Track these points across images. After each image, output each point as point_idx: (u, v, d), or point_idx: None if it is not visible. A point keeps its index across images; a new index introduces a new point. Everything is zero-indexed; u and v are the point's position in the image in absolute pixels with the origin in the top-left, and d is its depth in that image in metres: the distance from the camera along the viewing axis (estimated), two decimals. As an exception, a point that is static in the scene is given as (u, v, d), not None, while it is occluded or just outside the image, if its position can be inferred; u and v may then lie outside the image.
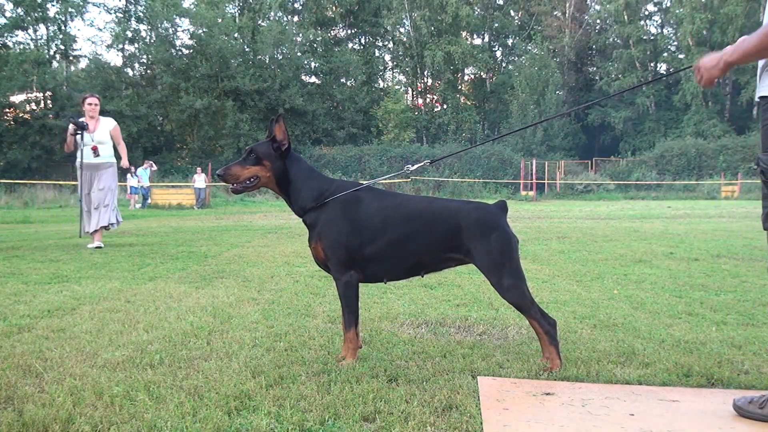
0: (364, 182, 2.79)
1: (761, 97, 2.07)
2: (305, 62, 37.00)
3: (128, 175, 22.67)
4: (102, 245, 7.38)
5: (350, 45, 40.76)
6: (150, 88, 33.72)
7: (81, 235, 7.90)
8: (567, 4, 39.55)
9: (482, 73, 40.24)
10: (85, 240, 8.21)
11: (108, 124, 7.63)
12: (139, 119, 31.21)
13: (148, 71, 34.72)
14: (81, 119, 7.50)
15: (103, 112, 7.92)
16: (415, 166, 2.96)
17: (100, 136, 7.51)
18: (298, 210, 2.70)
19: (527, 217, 14.71)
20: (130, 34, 34.47)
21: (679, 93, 35.91)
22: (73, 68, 35.65)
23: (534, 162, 29.62)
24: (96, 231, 7.45)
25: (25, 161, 30.02)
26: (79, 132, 7.34)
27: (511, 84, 36.89)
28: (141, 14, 34.92)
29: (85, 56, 35.82)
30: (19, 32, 33.14)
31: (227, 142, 32.17)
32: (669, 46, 39.51)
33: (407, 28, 37.57)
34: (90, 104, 7.57)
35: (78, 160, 7.50)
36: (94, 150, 7.40)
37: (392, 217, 2.62)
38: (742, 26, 31.10)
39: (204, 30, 32.47)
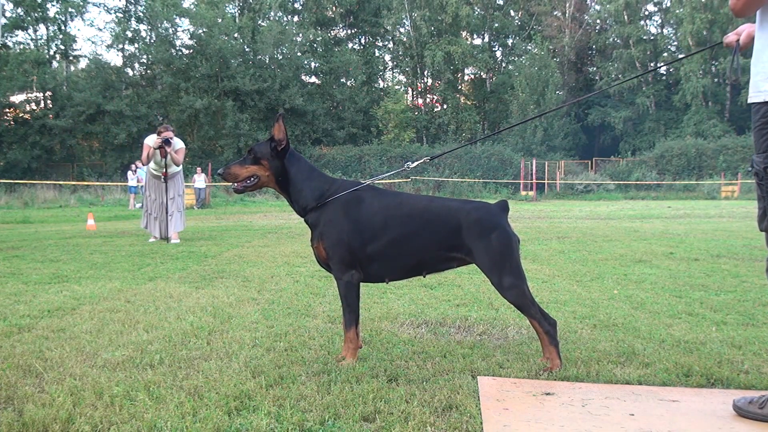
0: (365, 181, 2.80)
1: (750, 104, 2.11)
2: (305, 62, 36.96)
3: (128, 174, 22.68)
4: (179, 241, 8.26)
5: (350, 45, 40.71)
6: (150, 88, 33.69)
7: (158, 238, 8.47)
8: (567, 4, 39.50)
9: (482, 73, 40.18)
10: (86, 240, 8.25)
11: (177, 145, 8.26)
12: (139, 119, 31.19)
13: (148, 71, 34.68)
14: (162, 137, 8.09)
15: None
16: (415, 163, 2.97)
17: (170, 160, 8.26)
18: (299, 210, 2.71)
19: (527, 217, 14.71)
20: (130, 34, 34.43)
21: (679, 93, 35.88)
22: (73, 68, 35.64)
23: (534, 162, 29.60)
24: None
25: (25, 161, 30.01)
26: (163, 146, 7.97)
27: (511, 84, 36.82)
28: (141, 14, 34.89)
29: (85, 56, 35.86)
30: (19, 32, 33.17)
31: (227, 142, 32.14)
32: (669, 46, 39.46)
33: (407, 28, 37.52)
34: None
35: (149, 172, 8.31)
36: (164, 176, 8.22)
37: (393, 216, 2.62)
38: (742, 24, 31.05)
39: (204, 30, 32.44)
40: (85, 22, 63.64)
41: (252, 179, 2.68)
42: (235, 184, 2.69)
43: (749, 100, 2.12)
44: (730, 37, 2.43)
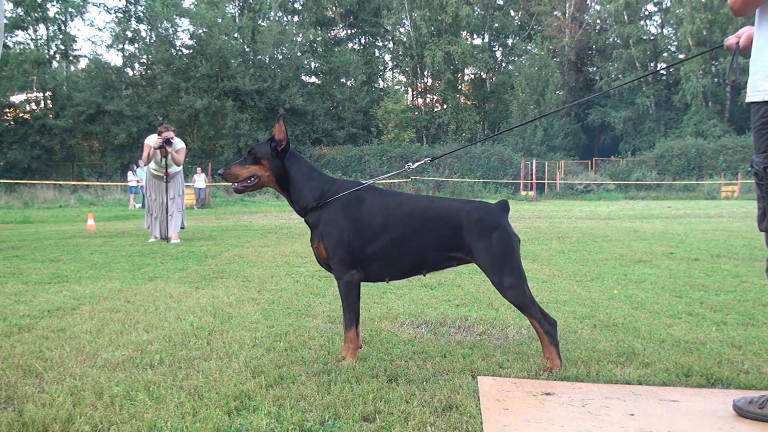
0: (365, 182, 2.80)
1: (750, 103, 2.10)
2: (305, 62, 36.96)
3: (129, 174, 22.68)
4: (179, 241, 8.25)
5: (350, 45, 40.71)
6: (150, 88, 33.70)
7: (158, 237, 8.47)
8: (567, 4, 39.50)
9: (482, 73, 40.18)
10: (86, 240, 8.25)
11: (178, 145, 8.27)
12: (139, 119, 31.20)
13: (148, 71, 34.69)
14: (162, 137, 8.08)
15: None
16: (416, 164, 2.97)
17: (171, 160, 8.28)
18: (299, 210, 2.71)
19: (527, 217, 14.71)
20: (130, 34, 34.44)
21: (679, 93, 35.88)
22: (73, 68, 35.65)
23: (534, 162, 29.60)
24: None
25: (25, 161, 30.02)
26: (164, 146, 7.97)
27: (511, 84, 36.82)
28: (141, 14, 34.90)
29: (85, 56, 35.87)
30: (19, 32, 33.17)
31: (227, 142, 32.15)
32: (669, 46, 39.46)
33: (407, 28, 37.53)
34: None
35: (149, 172, 8.31)
36: (166, 176, 8.23)
37: (394, 216, 2.63)
38: (742, 26, 31.07)
39: (204, 30, 32.44)
40: (85, 22, 63.73)
41: (252, 179, 2.68)
42: (236, 184, 2.69)
43: (748, 99, 2.12)
44: (731, 40, 2.43)
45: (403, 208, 2.65)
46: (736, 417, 2.05)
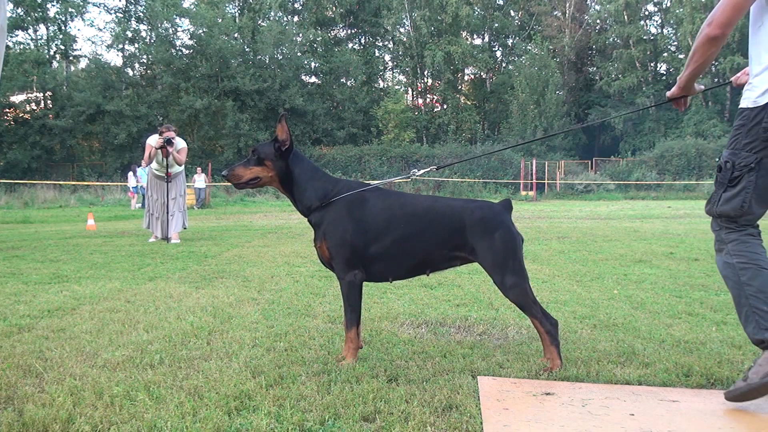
0: (373, 183, 2.80)
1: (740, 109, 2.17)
2: (305, 62, 36.96)
3: (129, 174, 22.67)
4: (179, 241, 8.27)
5: (350, 45, 40.71)
6: (150, 88, 33.69)
7: (159, 237, 8.48)
8: (567, 4, 39.48)
9: (482, 73, 40.18)
10: (86, 240, 8.27)
11: (179, 145, 8.31)
12: (139, 119, 31.19)
13: (148, 71, 34.68)
14: (164, 137, 8.09)
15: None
16: (421, 172, 2.97)
17: (173, 160, 8.31)
18: (303, 210, 2.71)
19: (527, 217, 14.71)
20: (130, 34, 34.44)
21: (679, 93, 35.85)
22: (73, 68, 35.64)
23: (534, 162, 29.59)
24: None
25: (25, 161, 30.03)
26: (165, 146, 7.99)
27: (511, 84, 36.80)
28: (141, 14, 34.90)
29: (85, 56, 35.88)
30: (19, 32, 33.17)
31: (227, 142, 32.15)
32: (669, 46, 39.47)
33: (407, 28, 37.52)
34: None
35: (151, 172, 8.35)
36: (168, 176, 8.27)
37: (397, 216, 2.63)
38: (741, 26, 31.12)
39: (204, 30, 32.44)
40: (85, 22, 63.58)
41: (256, 180, 2.69)
42: (239, 185, 2.71)
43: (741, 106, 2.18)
44: (741, 78, 2.43)
45: (406, 208, 2.65)
46: (736, 417, 2.05)
